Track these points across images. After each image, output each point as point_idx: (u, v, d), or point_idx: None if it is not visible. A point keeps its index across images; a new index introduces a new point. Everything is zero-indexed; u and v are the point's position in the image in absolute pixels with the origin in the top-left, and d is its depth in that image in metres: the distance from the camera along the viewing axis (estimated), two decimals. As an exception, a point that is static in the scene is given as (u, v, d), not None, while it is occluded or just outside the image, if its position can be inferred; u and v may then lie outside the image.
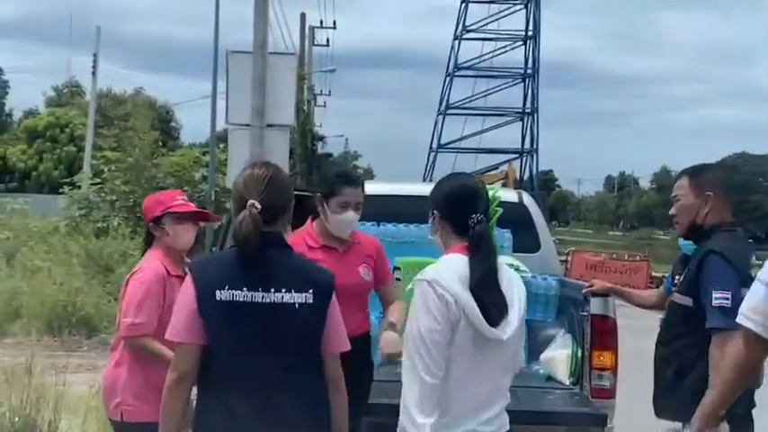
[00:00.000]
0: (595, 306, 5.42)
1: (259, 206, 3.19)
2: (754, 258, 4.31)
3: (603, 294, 5.42)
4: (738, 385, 3.65)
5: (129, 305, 4.33)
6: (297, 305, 3.16)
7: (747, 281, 4.08)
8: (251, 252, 3.14)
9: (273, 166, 3.39)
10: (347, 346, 3.35)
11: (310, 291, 3.19)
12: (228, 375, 3.12)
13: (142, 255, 4.63)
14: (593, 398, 5.41)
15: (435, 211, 3.37)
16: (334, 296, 3.28)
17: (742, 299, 3.80)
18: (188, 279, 3.21)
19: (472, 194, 3.34)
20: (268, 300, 3.13)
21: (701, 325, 4.00)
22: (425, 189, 7.62)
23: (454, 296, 3.11)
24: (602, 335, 5.43)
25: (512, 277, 3.33)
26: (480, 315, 3.12)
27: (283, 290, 3.15)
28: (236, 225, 3.19)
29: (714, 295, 3.95)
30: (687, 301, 4.14)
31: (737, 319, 3.33)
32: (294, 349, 3.17)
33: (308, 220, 4.70)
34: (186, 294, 3.16)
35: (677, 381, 4.14)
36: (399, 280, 5.70)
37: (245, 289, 3.11)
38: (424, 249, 6.22)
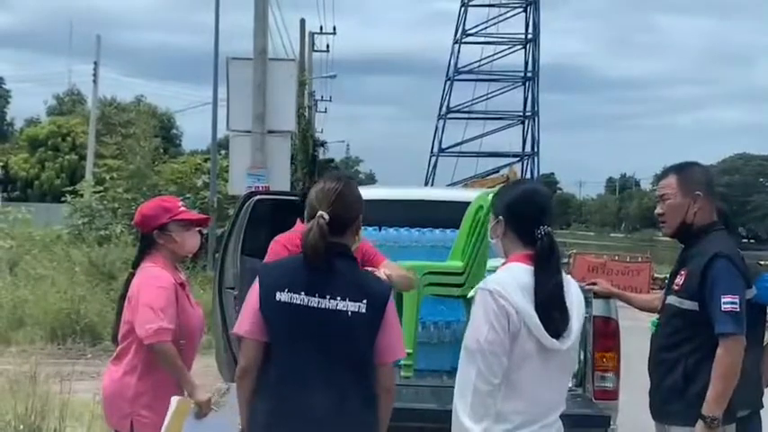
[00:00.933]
0: (597, 308, 5.43)
1: (327, 217, 3.37)
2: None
3: (605, 296, 5.43)
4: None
5: (153, 309, 4.22)
6: (350, 313, 3.31)
7: (747, 283, 4.11)
8: (317, 260, 3.33)
9: (344, 181, 3.56)
10: (401, 354, 3.49)
11: (364, 301, 3.32)
12: (281, 372, 3.32)
13: (136, 264, 4.53)
14: (596, 399, 5.41)
15: (501, 217, 3.36)
16: (390, 307, 3.39)
17: (744, 298, 3.85)
18: (256, 279, 3.42)
19: (542, 204, 3.34)
20: (323, 306, 3.31)
21: (707, 329, 3.99)
22: (425, 194, 7.65)
23: (515, 307, 3.14)
24: (604, 337, 5.44)
25: (570, 285, 3.34)
26: (542, 327, 3.15)
27: (338, 297, 3.31)
28: (304, 234, 3.39)
29: (723, 300, 3.94)
30: (692, 305, 4.10)
31: None
32: (343, 354, 3.32)
33: (298, 221, 4.75)
34: (253, 293, 3.38)
35: (687, 385, 4.10)
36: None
37: (302, 293, 3.31)
38: (425, 254, 6.28)
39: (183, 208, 4.60)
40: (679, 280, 4.22)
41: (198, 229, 4.69)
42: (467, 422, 3.13)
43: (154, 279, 4.33)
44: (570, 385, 5.70)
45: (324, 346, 3.31)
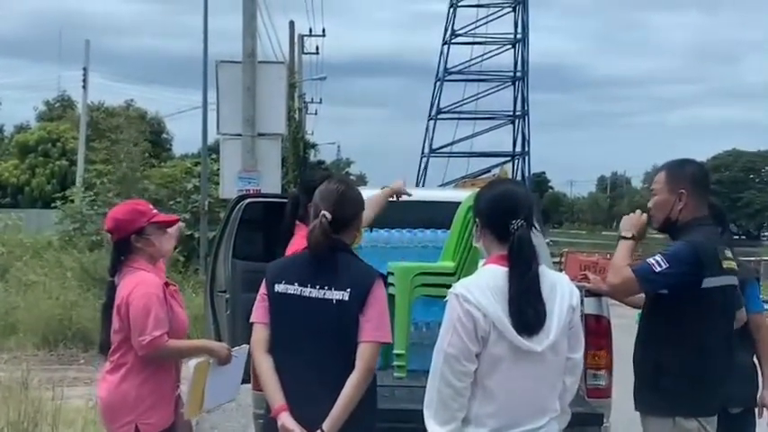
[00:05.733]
0: (589, 306, 5.44)
1: (329, 216, 3.69)
2: (729, 253, 4.33)
3: (597, 294, 5.43)
4: None
5: (140, 323, 4.23)
6: (335, 301, 3.63)
7: (710, 270, 4.11)
8: (319, 254, 3.68)
9: (346, 183, 3.93)
10: (384, 338, 3.70)
11: (348, 289, 3.63)
12: (279, 353, 3.70)
13: (113, 270, 4.48)
14: (588, 398, 5.42)
15: (477, 219, 3.41)
16: (375, 293, 3.66)
17: (678, 278, 3.98)
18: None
19: (511, 200, 3.34)
20: (314, 295, 3.66)
21: (675, 316, 4.13)
22: (416, 194, 7.65)
23: (482, 310, 3.15)
24: (596, 335, 5.45)
25: (556, 283, 3.31)
26: (511, 327, 3.14)
27: (326, 287, 3.65)
28: (309, 231, 3.74)
29: (648, 259, 4.11)
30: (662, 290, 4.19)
31: None
32: (329, 338, 3.62)
33: (298, 224, 4.94)
34: (262, 286, 3.77)
35: (657, 376, 4.19)
36: (391, 284, 5.74)
37: (296, 284, 3.69)
38: (416, 254, 6.28)
39: (155, 210, 4.58)
40: None
41: (172, 228, 4.69)
42: (430, 425, 3.20)
43: (141, 284, 4.31)
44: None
45: (313, 332, 3.64)
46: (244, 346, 4.36)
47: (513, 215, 3.26)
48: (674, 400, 4.09)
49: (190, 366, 4.34)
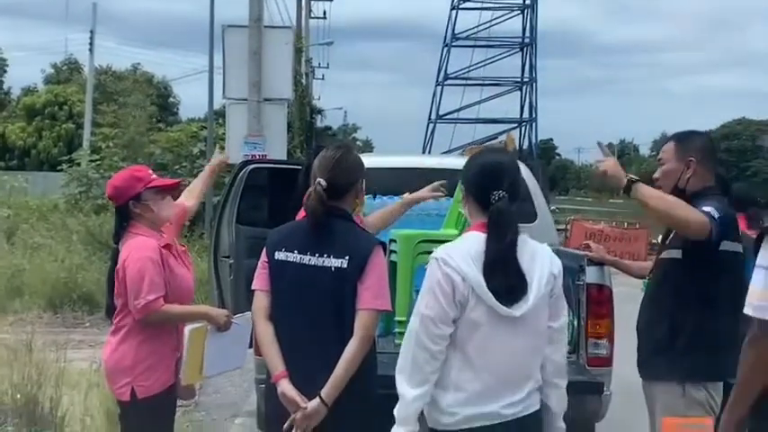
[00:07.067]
0: (591, 275, 5.45)
1: (324, 184, 3.70)
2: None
3: (599, 263, 5.44)
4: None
5: (135, 287, 4.25)
6: (333, 269, 3.65)
7: (732, 234, 4.11)
8: (316, 221, 3.70)
9: (344, 150, 3.89)
10: (383, 306, 3.70)
11: (346, 257, 3.64)
12: (279, 318, 3.74)
13: (117, 238, 4.51)
14: (589, 366, 5.44)
15: (463, 187, 3.46)
16: (374, 261, 3.66)
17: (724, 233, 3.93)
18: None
19: (495, 170, 3.38)
20: (313, 263, 3.68)
21: (691, 279, 4.08)
22: (419, 161, 7.64)
23: (461, 274, 3.19)
24: (597, 304, 5.46)
25: (536, 252, 3.34)
26: (489, 293, 3.17)
27: (325, 255, 3.67)
28: (305, 199, 3.75)
29: (703, 208, 4.00)
30: (677, 253, 4.17)
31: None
32: (328, 306, 3.65)
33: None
34: (263, 254, 3.80)
35: (672, 341, 4.14)
36: (393, 252, 5.75)
37: (296, 251, 3.71)
38: (418, 222, 6.28)
39: (154, 175, 4.57)
40: (672, 236, 4.27)
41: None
42: (402, 387, 3.23)
43: (137, 249, 4.32)
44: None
45: (312, 299, 3.66)
46: (246, 313, 4.32)
47: (496, 186, 3.30)
48: (687, 363, 4.05)
49: (185, 331, 4.33)
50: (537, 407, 3.32)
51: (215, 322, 4.43)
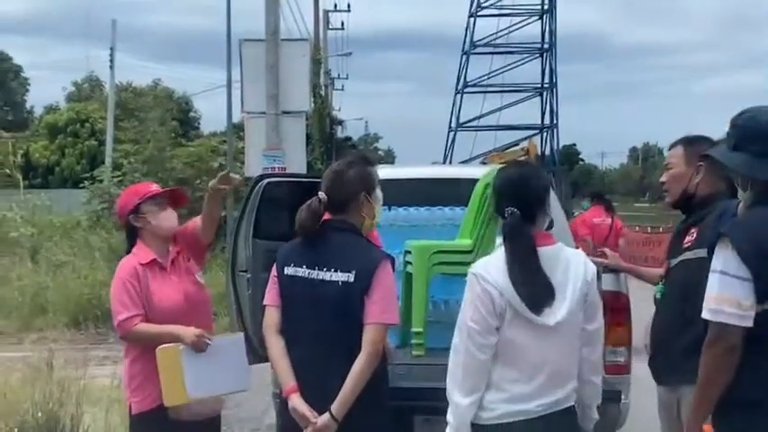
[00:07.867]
0: (607, 282, 5.41)
1: (323, 196, 3.75)
2: None
3: (615, 270, 5.41)
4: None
5: (113, 308, 4.37)
6: (340, 283, 3.66)
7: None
8: (307, 234, 3.76)
9: (347, 163, 3.86)
10: (390, 320, 3.72)
11: (353, 271, 3.65)
12: (289, 333, 3.77)
13: (128, 254, 4.56)
14: (607, 374, 5.38)
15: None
16: (381, 275, 3.66)
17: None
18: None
19: (511, 187, 3.52)
20: (320, 277, 3.70)
21: None
22: (435, 172, 7.63)
23: (498, 288, 3.34)
24: (614, 311, 5.41)
25: (571, 260, 3.46)
26: (523, 304, 3.31)
27: (332, 269, 3.69)
28: (298, 212, 3.78)
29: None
30: (704, 252, 3.98)
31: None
32: (336, 320, 3.66)
33: None
34: (273, 269, 3.86)
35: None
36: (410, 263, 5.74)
37: (303, 267, 3.75)
38: (435, 232, 6.28)
39: (154, 189, 4.60)
40: (690, 238, 4.22)
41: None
42: (456, 397, 3.38)
43: (118, 270, 4.43)
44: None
45: (321, 314, 3.67)
46: (238, 333, 4.47)
47: (507, 202, 3.45)
48: None
49: (157, 353, 4.26)
50: (572, 402, 3.48)
51: (185, 342, 4.31)
